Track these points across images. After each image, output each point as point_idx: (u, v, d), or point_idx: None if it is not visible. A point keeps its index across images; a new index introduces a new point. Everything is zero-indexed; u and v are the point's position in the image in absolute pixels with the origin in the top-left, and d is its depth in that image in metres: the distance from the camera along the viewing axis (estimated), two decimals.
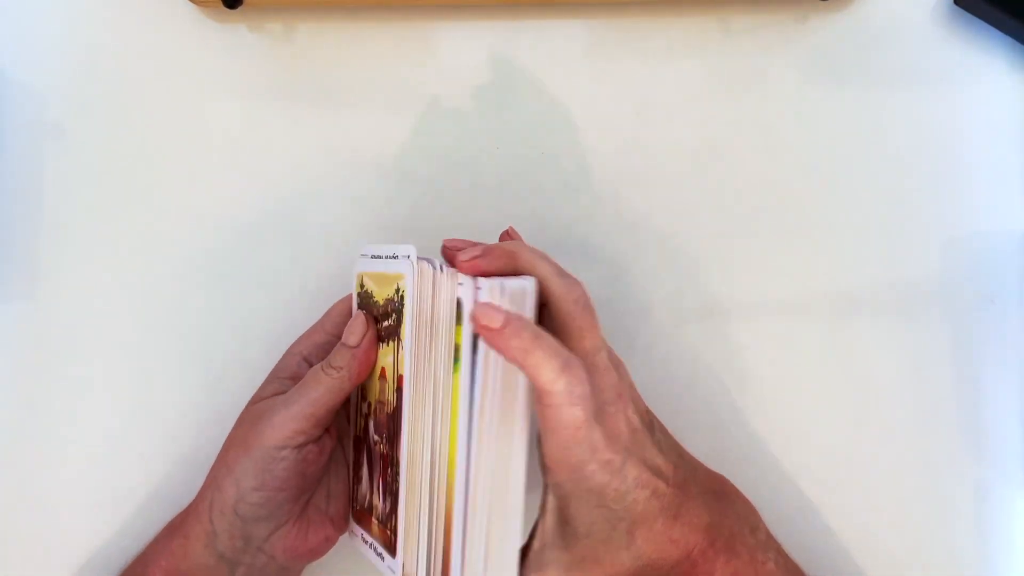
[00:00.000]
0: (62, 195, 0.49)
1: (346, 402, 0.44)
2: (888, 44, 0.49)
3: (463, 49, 0.50)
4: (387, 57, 0.50)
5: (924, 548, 0.47)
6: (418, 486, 0.37)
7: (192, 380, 0.48)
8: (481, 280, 0.36)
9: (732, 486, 0.42)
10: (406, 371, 0.37)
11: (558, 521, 0.38)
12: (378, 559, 0.40)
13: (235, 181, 0.49)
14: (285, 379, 0.42)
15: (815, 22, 0.49)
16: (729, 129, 0.49)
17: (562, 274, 0.38)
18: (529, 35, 0.49)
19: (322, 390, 0.39)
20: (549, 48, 0.49)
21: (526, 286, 0.36)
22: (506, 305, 0.35)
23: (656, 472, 0.37)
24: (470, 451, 0.36)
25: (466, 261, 0.37)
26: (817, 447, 0.47)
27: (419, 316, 0.37)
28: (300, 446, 0.39)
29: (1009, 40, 0.48)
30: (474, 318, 0.35)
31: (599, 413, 0.36)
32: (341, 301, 0.44)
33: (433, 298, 0.37)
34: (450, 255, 0.39)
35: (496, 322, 0.34)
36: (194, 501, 0.42)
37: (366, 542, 0.41)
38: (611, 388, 0.37)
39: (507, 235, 0.43)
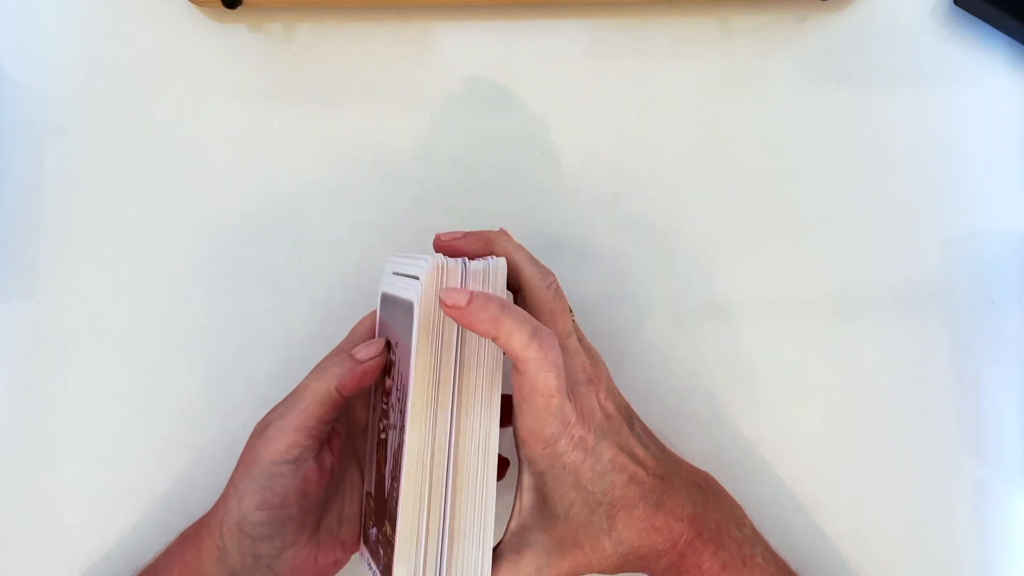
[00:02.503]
0: (62, 195, 0.49)
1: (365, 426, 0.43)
2: (888, 44, 0.49)
3: (463, 49, 0.50)
4: (387, 57, 0.50)
5: (924, 548, 0.47)
6: (417, 487, 0.37)
7: (192, 380, 0.48)
8: (450, 260, 0.37)
9: (716, 482, 0.42)
10: (411, 368, 0.37)
11: (536, 500, 0.38)
12: None
13: (235, 181, 0.49)
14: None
15: (815, 22, 0.49)
16: (729, 129, 0.49)
17: (535, 262, 0.39)
18: (529, 35, 0.49)
19: (308, 399, 0.39)
20: (549, 48, 0.49)
21: (496, 264, 0.38)
22: (472, 282, 0.37)
23: (634, 459, 0.38)
24: (452, 432, 0.37)
25: (445, 241, 0.39)
26: (817, 447, 0.47)
27: (424, 314, 0.37)
28: (296, 461, 0.39)
29: (1009, 40, 0.48)
30: (442, 302, 0.35)
31: (572, 391, 0.37)
32: (365, 319, 0.44)
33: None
34: (437, 243, 0.40)
35: (462, 300, 0.35)
36: (208, 514, 0.42)
37: (371, 568, 0.41)
38: (582, 371, 0.38)
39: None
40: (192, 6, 0.49)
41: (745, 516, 0.42)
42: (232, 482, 0.40)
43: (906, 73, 0.49)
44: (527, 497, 0.38)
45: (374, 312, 0.43)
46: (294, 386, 0.44)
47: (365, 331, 0.43)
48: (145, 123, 0.49)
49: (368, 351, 0.40)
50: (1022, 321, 0.47)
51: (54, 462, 0.48)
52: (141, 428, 0.48)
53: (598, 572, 0.38)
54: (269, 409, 0.41)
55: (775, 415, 0.48)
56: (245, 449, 0.41)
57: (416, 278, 0.38)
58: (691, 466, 0.42)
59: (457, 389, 0.37)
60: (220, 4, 0.47)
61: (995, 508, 0.47)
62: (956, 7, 0.48)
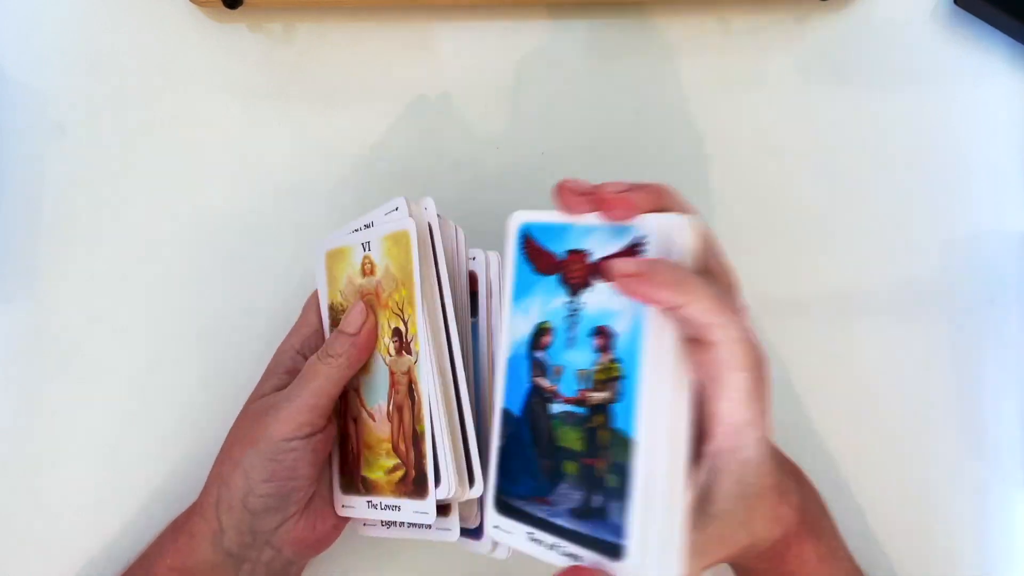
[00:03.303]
0: (62, 195, 0.49)
1: None
2: (888, 44, 0.49)
3: (463, 49, 0.50)
4: (387, 57, 0.50)
5: (924, 548, 0.47)
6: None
7: (193, 379, 0.48)
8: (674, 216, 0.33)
9: (800, 468, 0.40)
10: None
11: (699, 500, 0.33)
12: (396, 512, 0.40)
13: (235, 180, 0.49)
14: (282, 374, 0.43)
15: (815, 22, 0.49)
16: (729, 129, 0.49)
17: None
18: (529, 35, 0.49)
19: (322, 379, 0.40)
20: (549, 48, 0.49)
21: (680, 224, 0.33)
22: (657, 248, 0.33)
23: (769, 446, 0.35)
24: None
25: (616, 194, 0.33)
26: (817, 447, 0.47)
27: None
28: (307, 436, 0.40)
29: (1009, 40, 0.48)
30: (613, 273, 0.32)
31: (761, 367, 0.32)
32: (315, 294, 0.45)
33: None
34: (588, 193, 0.35)
35: (635, 268, 0.31)
36: (198, 500, 0.42)
37: (537, 540, 0.36)
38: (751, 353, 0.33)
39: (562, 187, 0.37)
40: (192, 6, 0.49)
41: (826, 506, 0.40)
42: (230, 460, 0.40)
43: (906, 73, 0.49)
44: (690, 497, 0.34)
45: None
46: None
47: (319, 304, 0.44)
48: (145, 123, 0.49)
49: (355, 319, 0.40)
50: (1022, 321, 0.47)
51: (54, 462, 0.48)
52: (141, 428, 0.48)
53: (724, 563, 0.37)
54: (255, 387, 0.43)
55: (775, 415, 0.47)
56: (244, 429, 0.41)
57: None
58: (778, 449, 0.39)
59: None
60: (220, 4, 0.47)
61: (995, 508, 0.47)
62: (956, 7, 0.48)
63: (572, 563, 0.34)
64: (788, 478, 0.37)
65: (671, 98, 0.49)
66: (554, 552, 0.35)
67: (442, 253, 0.40)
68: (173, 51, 0.50)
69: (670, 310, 0.31)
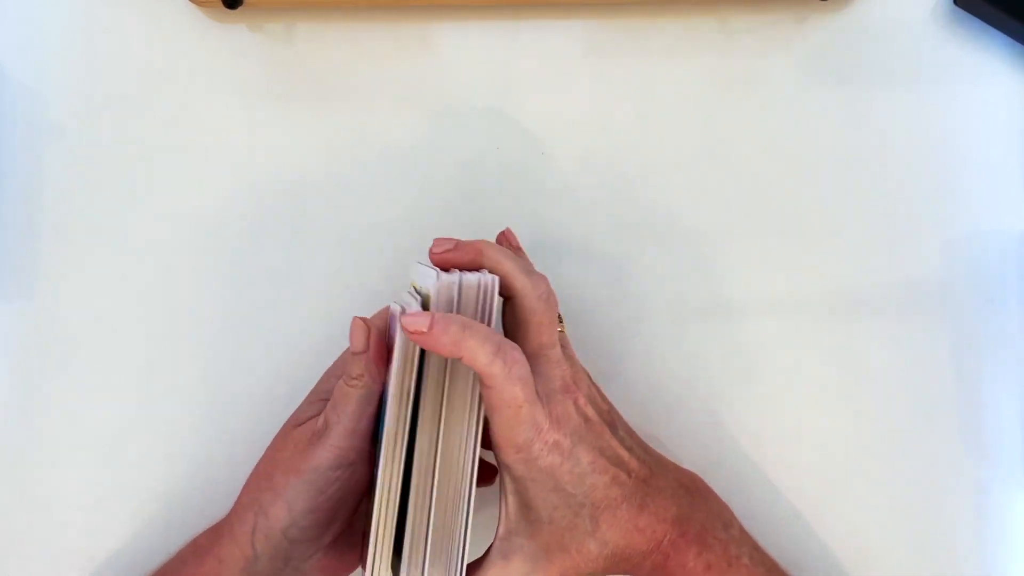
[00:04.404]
0: (62, 195, 0.49)
1: None
2: (888, 44, 0.49)
3: (463, 49, 0.50)
4: (387, 57, 0.50)
5: (924, 548, 0.47)
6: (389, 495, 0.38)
7: (193, 379, 0.48)
8: (442, 274, 0.38)
9: (704, 484, 0.43)
10: (391, 383, 0.38)
11: (519, 505, 0.39)
12: None
13: (235, 181, 0.49)
14: (324, 401, 0.42)
15: (815, 22, 0.49)
16: (729, 129, 0.49)
17: (527, 271, 0.39)
18: (529, 35, 0.49)
19: (354, 402, 0.39)
20: (549, 48, 0.49)
21: (489, 282, 0.38)
22: (465, 299, 0.38)
23: (616, 461, 0.38)
24: (434, 442, 0.38)
25: (438, 253, 0.40)
26: (817, 447, 0.47)
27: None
28: (353, 463, 0.39)
29: (1009, 40, 0.48)
30: (404, 328, 0.36)
31: (548, 398, 0.38)
32: (359, 318, 0.44)
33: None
34: (432, 255, 0.41)
35: (423, 326, 0.36)
36: (228, 523, 0.41)
37: None
38: (560, 378, 0.39)
39: (503, 236, 0.44)
40: (192, 6, 0.49)
41: (733, 517, 0.42)
42: (270, 489, 0.40)
43: (906, 73, 0.49)
44: (511, 501, 0.39)
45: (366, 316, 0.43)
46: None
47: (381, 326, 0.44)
48: (145, 123, 0.49)
49: (358, 337, 0.40)
50: (1022, 321, 0.47)
51: (54, 462, 0.48)
52: (141, 428, 0.48)
53: (585, 574, 0.39)
54: (293, 413, 0.43)
55: (774, 415, 0.48)
56: (282, 454, 0.41)
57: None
58: (678, 467, 0.42)
59: (443, 397, 0.38)
60: (220, 4, 0.47)
61: (995, 508, 0.47)
62: (956, 7, 0.48)
63: None
64: (659, 492, 0.39)
65: (671, 98, 0.49)
66: None
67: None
68: (173, 51, 0.50)
69: (455, 358, 0.36)
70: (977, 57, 0.49)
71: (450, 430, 0.39)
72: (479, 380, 0.37)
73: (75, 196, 0.49)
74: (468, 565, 0.39)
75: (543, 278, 0.40)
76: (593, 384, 0.41)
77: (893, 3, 0.49)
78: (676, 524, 0.39)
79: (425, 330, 0.36)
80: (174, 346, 0.48)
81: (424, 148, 0.49)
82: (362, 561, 0.41)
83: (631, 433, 0.42)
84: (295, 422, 0.42)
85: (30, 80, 0.49)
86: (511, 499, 0.39)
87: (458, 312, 0.38)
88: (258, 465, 0.42)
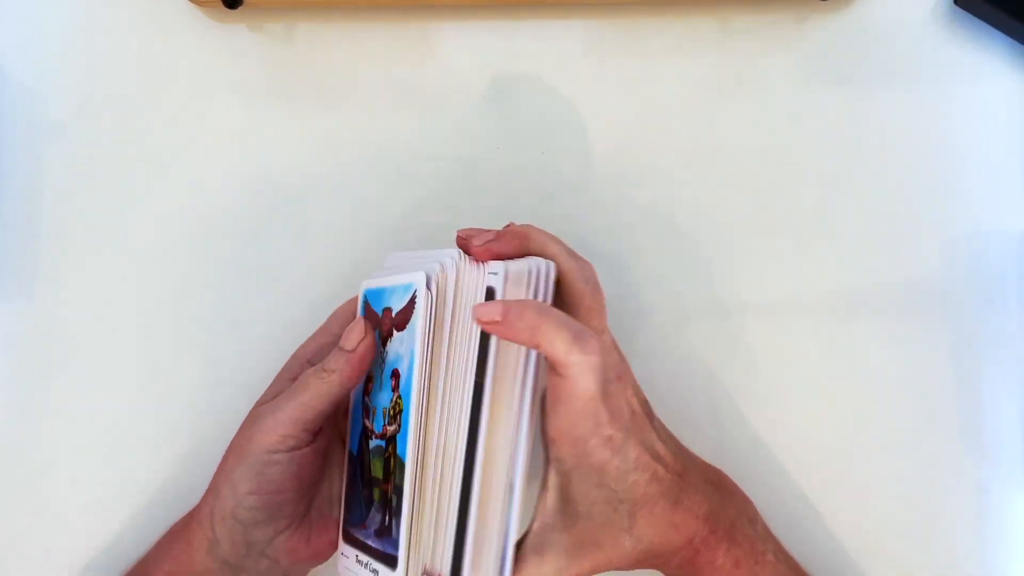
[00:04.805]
0: (62, 195, 0.49)
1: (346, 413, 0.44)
2: (888, 44, 0.49)
3: (463, 49, 0.50)
4: (387, 57, 0.50)
5: (924, 548, 0.47)
6: (429, 485, 0.37)
7: (193, 379, 0.48)
8: (493, 264, 0.37)
9: (730, 479, 0.42)
10: (416, 368, 0.37)
11: (559, 500, 0.38)
12: None
13: (235, 181, 0.49)
14: (287, 381, 0.42)
15: (815, 22, 0.49)
16: (729, 129, 0.49)
17: (573, 255, 0.39)
18: (529, 35, 0.49)
19: (311, 393, 0.39)
20: (549, 48, 0.49)
21: (545, 268, 0.38)
22: (515, 287, 0.37)
23: (655, 456, 0.38)
24: (483, 439, 0.37)
25: (480, 246, 0.38)
26: (817, 447, 0.47)
27: (438, 310, 0.37)
28: (290, 450, 0.39)
29: (1009, 40, 0.48)
30: (476, 319, 0.36)
31: (604, 389, 0.36)
32: (347, 303, 0.44)
33: (457, 289, 0.38)
34: (465, 244, 0.39)
35: (497, 315, 0.35)
36: (196, 506, 0.42)
37: (360, 562, 0.40)
38: (614, 367, 0.38)
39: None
40: (192, 6, 0.49)
41: (757, 513, 0.42)
42: (223, 471, 0.40)
43: (906, 73, 0.49)
44: (551, 496, 0.38)
45: (354, 299, 0.43)
46: None
47: (347, 314, 0.44)
48: (145, 123, 0.49)
49: (353, 336, 0.40)
50: (1022, 321, 0.47)
51: (54, 462, 0.48)
52: (141, 427, 0.48)
53: (616, 569, 0.38)
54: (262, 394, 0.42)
55: (775, 415, 0.48)
56: (238, 437, 0.41)
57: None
58: (704, 462, 0.42)
59: (488, 380, 0.37)
60: (220, 4, 0.47)
61: (995, 508, 0.47)
62: (956, 7, 0.48)
63: None
64: (693, 488, 0.39)
65: (671, 98, 0.49)
66: (367, 570, 0.39)
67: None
68: (173, 51, 0.50)
69: (532, 347, 0.36)
70: (977, 57, 0.49)
71: (496, 422, 0.37)
72: (551, 368, 0.36)
73: (75, 196, 0.49)
74: None
75: (588, 263, 0.39)
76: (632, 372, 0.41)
77: (893, 3, 0.49)
78: (707, 520, 0.38)
79: (499, 319, 0.35)
80: (173, 346, 0.48)
81: (424, 148, 0.49)
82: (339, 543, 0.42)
83: (662, 425, 0.41)
84: (259, 402, 0.42)
85: (30, 80, 0.49)
86: (552, 494, 0.38)
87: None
88: (227, 448, 0.42)
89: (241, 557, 0.40)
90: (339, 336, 0.42)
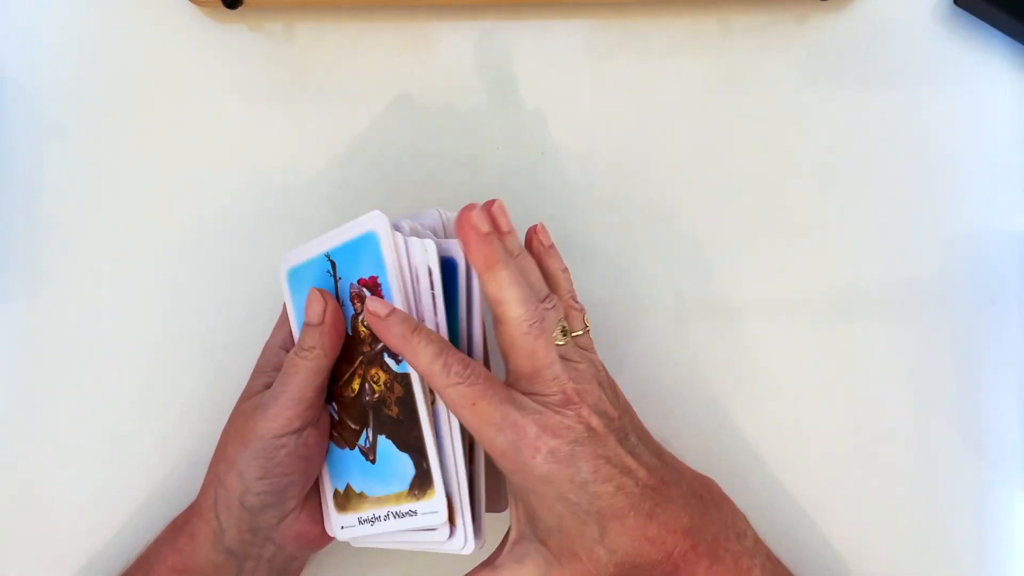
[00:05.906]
0: (62, 195, 0.49)
1: None
2: (888, 44, 0.49)
3: (463, 49, 0.50)
4: (387, 57, 0.50)
5: (924, 548, 0.47)
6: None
7: (192, 379, 0.48)
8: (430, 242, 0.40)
9: (720, 491, 0.42)
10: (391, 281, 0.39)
11: (527, 515, 0.39)
12: (401, 521, 0.40)
13: (235, 180, 0.49)
14: (271, 371, 0.43)
15: (815, 22, 0.49)
16: (729, 129, 0.49)
17: (525, 300, 0.38)
18: (529, 35, 0.49)
19: (303, 374, 0.40)
20: (549, 48, 0.49)
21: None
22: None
23: (624, 470, 0.38)
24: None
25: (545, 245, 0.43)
26: (817, 447, 0.47)
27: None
28: (297, 431, 0.40)
29: (1009, 40, 0.48)
30: (365, 308, 0.38)
31: (540, 411, 0.38)
32: (317, 289, 0.44)
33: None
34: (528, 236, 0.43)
35: (382, 311, 0.38)
36: (197, 500, 0.42)
37: (377, 518, 0.41)
38: (558, 394, 0.38)
39: (533, 232, 0.43)
40: (192, 6, 0.49)
41: (748, 525, 0.41)
42: (224, 460, 0.41)
43: (906, 73, 0.49)
44: (521, 510, 0.39)
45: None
46: None
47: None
48: (145, 123, 0.49)
49: (315, 308, 0.41)
50: (1022, 321, 0.47)
51: (54, 461, 0.48)
52: (141, 428, 0.48)
53: None
54: (244, 388, 0.43)
55: (775, 415, 0.48)
56: (233, 428, 0.41)
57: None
58: (694, 475, 0.42)
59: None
60: (220, 4, 0.47)
61: (995, 508, 0.47)
62: (956, 7, 0.48)
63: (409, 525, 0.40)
64: (670, 501, 0.39)
65: (671, 98, 0.49)
66: (387, 521, 0.41)
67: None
68: (173, 51, 0.50)
69: (398, 353, 0.39)
70: (977, 57, 0.49)
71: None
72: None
73: (75, 196, 0.49)
74: (480, 564, 0.39)
75: (536, 307, 0.38)
76: (609, 390, 0.40)
77: (893, 3, 0.49)
78: (687, 535, 0.38)
79: (383, 315, 0.38)
80: (174, 346, 0.48)
81: (424, 148, 0.49)
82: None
83: (645, 440, 0.41)
84: (245, 395, 0.43)
85: (30, 80, 0.49)
86: (520, 509, 0.39)
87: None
88: (218, 442, 0.42)
89: (247, 544, 0.40)
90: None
